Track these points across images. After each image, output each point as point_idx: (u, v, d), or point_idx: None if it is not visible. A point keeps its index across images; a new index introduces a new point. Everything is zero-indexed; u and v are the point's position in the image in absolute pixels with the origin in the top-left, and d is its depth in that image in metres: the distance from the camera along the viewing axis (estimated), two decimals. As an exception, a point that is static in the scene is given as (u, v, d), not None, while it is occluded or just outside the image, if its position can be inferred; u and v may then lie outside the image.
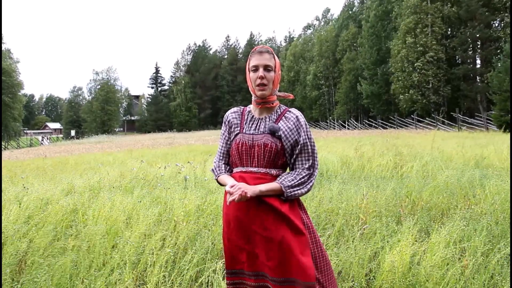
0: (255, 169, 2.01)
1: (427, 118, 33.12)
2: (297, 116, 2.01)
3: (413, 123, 33.99)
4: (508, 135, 16.93)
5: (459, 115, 28.86)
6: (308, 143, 1.98)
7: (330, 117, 52.56)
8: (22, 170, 11.66)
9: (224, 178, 2.09)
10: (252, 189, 1.90)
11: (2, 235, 3.78)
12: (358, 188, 5.65)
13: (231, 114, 2.19)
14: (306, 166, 1.96)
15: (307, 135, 1.99)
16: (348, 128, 43.80)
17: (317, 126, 51.75)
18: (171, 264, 3.38)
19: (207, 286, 3.14)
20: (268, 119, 2.05)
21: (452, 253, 3.22)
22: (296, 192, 1.92)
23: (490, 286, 2.89)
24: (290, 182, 1.93)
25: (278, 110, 2.08)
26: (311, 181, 1.96)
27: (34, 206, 4.99)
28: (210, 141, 25.68)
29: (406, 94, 35.14)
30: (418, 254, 3.22)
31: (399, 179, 6.68)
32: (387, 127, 38.03)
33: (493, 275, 2.98)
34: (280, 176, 1.97)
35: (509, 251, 3.26)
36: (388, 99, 41.08)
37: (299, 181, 1.93)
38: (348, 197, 5.14)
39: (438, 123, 30.99)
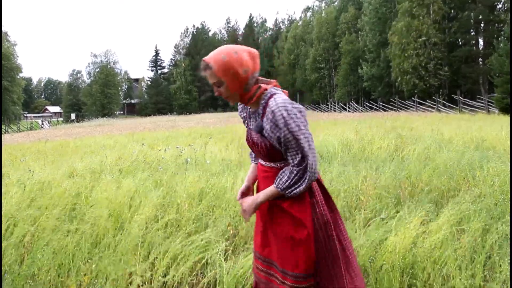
0: (262, 162, 2.04)
1: (428, 101, 33.01)
2: (272, 111, 1.81)
3: (414, 105, 33.90)
4: (509, 117, 16.90)
5: (460, 97, 28.75)
6: (291, 137, 1.79)
7: (331, 100, 52.40)
8: (22, 153, 11.70)
9: (250, 168, 2.26)
10: (249, 209, 1.97)
11: (7, 218, 3.82)
12: (358, 170, 5.68)
13: (239, 108, 2.14)
14: (296, 162, 1.83)
15: (289, 128, 1.78)
16: (349, 111, 43.69)
17: (317, 109, 51.63)
18: (176, 244, 3.42)
19: (212, 267, 3.20)
20: (257, 114, 1.97)
21: (451, 234, 3.27)
22: (294, 191, 1.86)
23: (488, 265, 2.94)
24: (285, 183, 1.86)
25: (263, 102, 1.92)
26: (306, 176, 1.83)
27: (37, 189, 5.03)
28: (211, 124, 25.68)
29: (405, 77, 34.96)
30: (418, 235, 3.26)
31: (400, 161, 6.71)
32: (387, 109, 37.95)
33: (491, 255, 3.03)
34: (277, 177, 1.91)
35: (509, 231, 3.30)
36: (390, 81, 40.88)
37: (294, 180, 1.85)
38: (349, 179, 5.17)
39: (439, 106, 30.90)
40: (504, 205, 4.03)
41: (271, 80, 1.98)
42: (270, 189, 1.92)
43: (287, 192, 1.86)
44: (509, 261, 2.84)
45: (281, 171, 1.90)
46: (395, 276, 2.67)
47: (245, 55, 1.85)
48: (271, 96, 1.87)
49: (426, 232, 3.29)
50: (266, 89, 1.90)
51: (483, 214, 3.61)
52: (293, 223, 1.91)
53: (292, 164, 1.84)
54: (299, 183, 1.84)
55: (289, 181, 1.85)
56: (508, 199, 4.20)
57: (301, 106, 1.84)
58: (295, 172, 1.84)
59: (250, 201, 1.98)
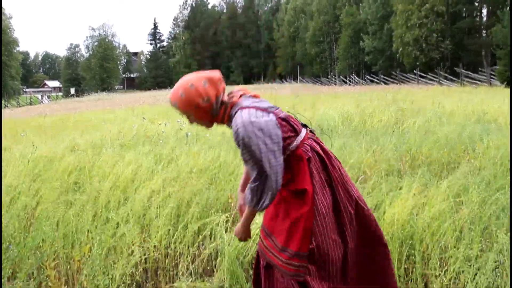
0: None
1: (429, 74, 32.72)
2: (235, 132, 1.85)
3: (416, 78, 33.63)
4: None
5: (462, 70, 28.47)
6: (246, 153, 1.83)
7: (331, 73, 51.93)
8: (23, 128, 11.70)
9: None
10: (241, 234, 2.08)
11: (12, 190, 3.86)
12: (359, 143, 5.69)
13: None
14: (252, 179, 1.86)
15: (244, 142, 1.81)
16: (350, 84, 43.38)
17: (317, 82, 51.23)
18: (175, 217, 3.46)
19: (210, 238, 3.25)
20: None
21: (450, 205, 3.30)
22: (263, 205, 1.89)
23: (486, 235, 2.98)
24: (252, 201, 1.90)
25: (232, 119, 1.95)
26: (268, 192, 1.85)
27: (39, 163, 5.06)
28: (211, 98, 25.48)
29: (406, 48, 34.51)
30: (417, 207, 3.29)
31: (400, 134, 6.71)
32: (389, 82, 37.67)
33: (488, 225, 3.07)
34: (245, 198, 1.96)
35: (506, 202, 3.34)
36: (391, 54, 40.40)
37: (258, 196, 1.87)
38: (349, 152, 5.19)
39: (441, 78, 30.65)
40: (503, 178, 4.05)
41: (239, 90, 2.01)
42: (247, 211, 1.98)
43: (258, 207, 1.90)
44: (505, 232, 2.88)
45: (246, 190, 1.95)
46: (394, 247, 2.71)
47: (202, 84, 1.90)
48: (237, 112, 1.90)
49: (425, 204, 3.32)
50: (233, 105, 1.94)
51: (482, 186, 3.64)
52: (295, 203, 1.93)
53: (253, 180, 1.86)
54: (263, 198, 1.87)
55: (255, 198, 1.88)
56: (507, 171, 4.23)
57: (264, 119, 1.84)
58: (255, 190, 1.87)
59: (239, 228, 2.07)
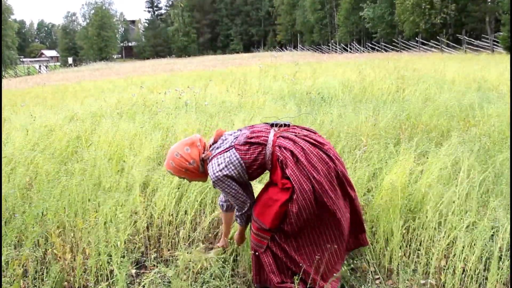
0: None
1: (431, 41, 32.20)
2: (211, 179, 2.32)
3: (417, 45, 33.13)
4: (514, 57, 16.57)
5: (465, 37, 28.01)
6: (225, 193, 2.35)
7: (332, 41, 51.11)
8: (22, 98, 11.65)
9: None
10: (239, 239, 2.65)
11: (12, 161, 3.88)
12: (359, 111, 5.67)
13: None
14: (237, 209, 2.46)
15: (220, 189, 2.32)
16: (350, 52, 42.77)
17: (318, 50, 50.49)
18: (177, 186, 3.50)
19: (215, 206, 3.29)
20: None
21: (448, 172, 3.32)
22: (248, 219, 2.46)
23: (483, 201, 3.02)
24: (242, 223, 2.50)
25: None
26: (248, 213, 2.42)
27: (39, 133, 5.06)
28: (211, 66, 25.29)
29: (409, 13, 33.73)
30: (415, 174, 3.32)
31: (400, 102, 6.68)
32: (390, 50, 37.14)
33: (486, 192, 3.10)
34: (235, 219, 2.56)
35: (504, 169, 3.36)
36: (392, 21, 39.61)
37: (245, 219, 2.47)
38: (349, 120, 5.18)
39: (443, 46, 30.20)
40: (502, 145, 4.07)
41: (213, 137, 2.45)
42: (239, 227, 2.56)
43: (243, 224, 2.51)
44: (501, 199, 2.91)
45: (234, 217, 2.58)
46: (394, 213, 2.74)
47: (185, 150, 2.36)
48: (208, 165, 2.35)
49: (424, 171, 3.34)
50: (208, 157, 2.36)
51: (480, 153, 3.65)
52: (278, 190, 2.26)
53: (237, 210, 2.45)
54: (247, 219, 2.47)
55: (243, 221, 2.48)
56: (506, 138, 4.23)
57: (224, 166, 2.26)
58: (241, 216, 2.45)
59: (237, 236, 2.62)
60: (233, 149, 2.28)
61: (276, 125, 2.41)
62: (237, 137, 2.34)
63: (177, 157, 2.34)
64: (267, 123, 2.45)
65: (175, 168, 2.36)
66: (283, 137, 2.30)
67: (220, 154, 2.30)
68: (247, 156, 2.27)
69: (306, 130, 2.42)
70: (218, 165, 2.26)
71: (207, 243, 2.96)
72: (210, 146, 2.41)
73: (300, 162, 2.20)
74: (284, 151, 2.23)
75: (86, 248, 2.67)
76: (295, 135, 2.31)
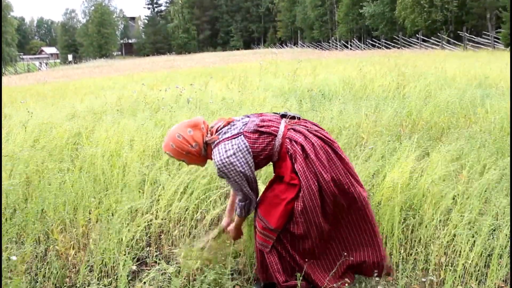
0: None
1: (432, 38, 32.13)
2: (216, 166, 2.19)
3: (418, 42, 33.05)
4: (514, 53, 16.54)
5: (466, 34, 27.94)
6: (229, 183, 2.23)
7: (332, 38, 51.01)
8: (22, 96, 11.64)
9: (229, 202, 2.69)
10: (235, 233, 2.49)
11: (12, 158, 3.88)
12: (359, 108, 5.67)
13: None
14: (239, 199, 2.28)
15: (225, 176, 2.18)
16: (351, 49, 42.70)
17: (318, 47, 50.40)
18: (181, 185, 3.49)
19: (216, 204, 3.29)
20: None
21: (449, 170, 3.32)
22: (248, 214, 2.35)
23: (482, 200, 3.02)
24: (242, 214, 2.34)
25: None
26: (249, 208, 2.31)
27: (39, 130, 5.06)
28: (211, 63, 25.26)
29: (409, 10, 33.63)
30: (417, 171, 3.31)
31: (401, 99, 6.67)
32: (390, 47, 37.05)
33: (488, 189, 3.10)
34: (235, 210, 2.40)
35: (509, 172, 3.36)
36: (393, 18, 39.51)
37: (246, 210, 2.32)
38: (350, 117, 5.18)
39: (444, 43, 30.14)
40: (503, 141, 4.06)
41: (218, 122, 2.30)
42: (237, 218, 2.40)
43: (243, 215, 2.35)
44: (505, 195, 2.91)
45: (235, 205, 2.37)
46: (395, 210, 2.74)
47: (188, 132, 2.21)
48: (213, 149, 2.21)
49: (424, 168, 3.34)
50: (212, 143, 2.23)
51: (481, 150, 3.65)
52: (284, 187, 2.20)
53: (240, 200, 2.28)
54: (250, 210, 2.33)
55: (243, 211, 2.32)
56: (507, 135, 4.23)
57: (233, 152, 2.14)
58: (243, 206, 2.29)
59: (232, 230, 2.48)
60: (242, 136, 2.18)
61: (286, 116, 2.32)
62: (245, 123, 2.23)
63: (179, 139, 2.20)
64: (276, 113, 2.36)
65: (175, 150, 2.21)
66: (294, 130, 2.23)
67: (228, 140, 2.18)
68: (255, 145, 2.18)
69: (315, 125, 2.34)
70: (226, 151, 2.15)
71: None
72: (217, 131, 2.27)
73: (310, 159, 2.14)
74: (295, 144, 2.16)
75: (90, 244, 2.67)
76: (307, 130, 2.23)
